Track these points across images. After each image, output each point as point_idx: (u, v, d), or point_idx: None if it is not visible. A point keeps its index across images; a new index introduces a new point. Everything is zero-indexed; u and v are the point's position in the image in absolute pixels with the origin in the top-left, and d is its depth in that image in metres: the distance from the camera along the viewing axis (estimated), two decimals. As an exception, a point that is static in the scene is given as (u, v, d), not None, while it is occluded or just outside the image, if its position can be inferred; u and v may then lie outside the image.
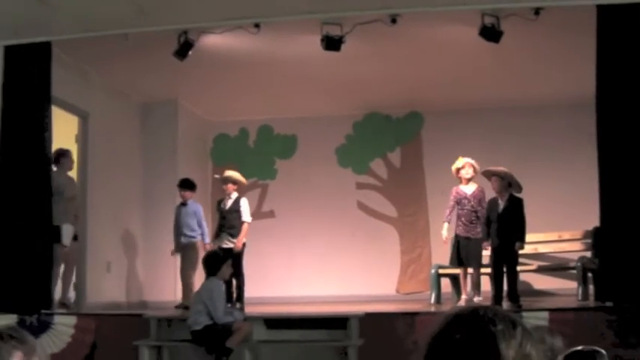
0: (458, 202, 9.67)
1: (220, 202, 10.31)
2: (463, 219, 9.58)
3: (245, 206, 10.14)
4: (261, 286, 9.95)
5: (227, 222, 10.03)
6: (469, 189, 9.67)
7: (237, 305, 9.63)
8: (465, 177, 9.69)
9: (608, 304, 7.75)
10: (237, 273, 9.74)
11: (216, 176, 10.53)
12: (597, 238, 8.15)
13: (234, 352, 7.65)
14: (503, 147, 11.91)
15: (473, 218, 9.53)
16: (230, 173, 10.31)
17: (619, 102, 7.97)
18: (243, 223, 10.03)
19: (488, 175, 9.34)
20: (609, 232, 7.95)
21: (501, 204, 9.11)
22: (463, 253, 9.56)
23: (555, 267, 10.99)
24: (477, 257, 9.57)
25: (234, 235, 9.95)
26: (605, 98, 8.02)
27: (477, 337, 1.37)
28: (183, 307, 9.71)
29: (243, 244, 9.96)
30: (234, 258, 9.56)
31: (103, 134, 11.02)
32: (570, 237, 10.91)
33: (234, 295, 9.77)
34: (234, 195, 10.19)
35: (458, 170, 9.78)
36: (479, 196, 9.60)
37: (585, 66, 8.41)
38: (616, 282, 7.72)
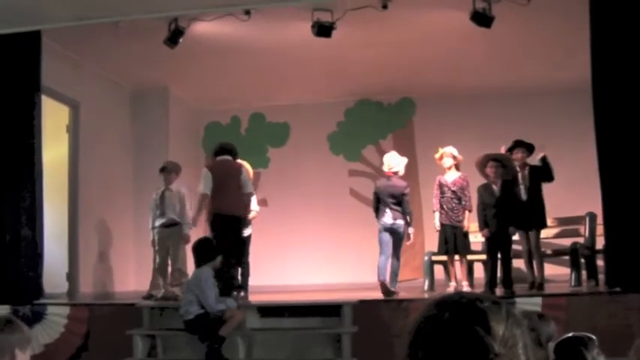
0: (440, 190, 9.71)
1: None
2: (445, 206, 9.66)
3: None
4: (254, 274, 9.89)
5: None
6: (450, 177, 9.72)
7: (242, 293, 9.60)
8: (445, 166, 9.72)
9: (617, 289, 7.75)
10: (243, 261, 9.75)
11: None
12: (605, 225, 8.14)
13: (227, 340, 7.63)
14: (496, 133, 11.81)
15: (453, 205, 9.58)
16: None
17: (615, 85, 7.97)
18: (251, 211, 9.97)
19: (486, 160, 9.28)
20: (613, 218, 7.95)
21: (496, 190, 9.12)
22: (451, 241, 9.59)
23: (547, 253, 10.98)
24: (465, 245, 9.63)
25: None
26: (601, 82, 8.01)
27: (466, 315, 1.37)
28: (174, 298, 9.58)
29: (249, 235, 9.90)
30: (243, 246, 9.65)
31: (94, 123, 10.97)
32: (563, 223, 10.91)
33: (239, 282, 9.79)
34: None
35: (440, 160, 9.84)
36: (460, 183, 9.63)
37: (578, 51, 8.43)
38: (625, 269, 7.75)
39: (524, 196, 9.19)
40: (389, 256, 9.34)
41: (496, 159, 9.23)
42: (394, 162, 9.57)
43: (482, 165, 9.34)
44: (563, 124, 12.00)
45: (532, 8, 8.39)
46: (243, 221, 9.06)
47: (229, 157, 9.23)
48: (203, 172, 9.11)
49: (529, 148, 9.33)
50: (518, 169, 9.26)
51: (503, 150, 9.37)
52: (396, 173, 9.50)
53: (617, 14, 7.99)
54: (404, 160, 9.64)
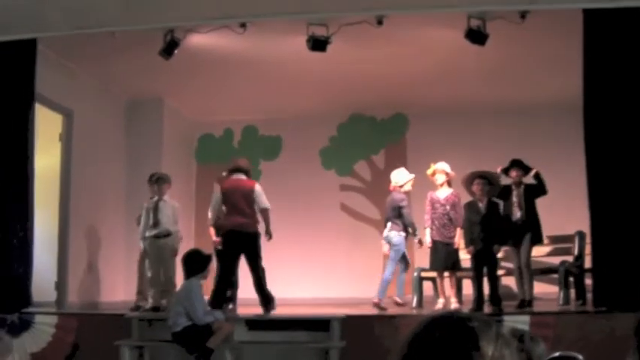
0: (432, 206, 9.75)
1: None
2: (436, 222, 9.71)
3: None
4: (243, 287, 9.85)
5: None
6: (442, 193, 9.78)
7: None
8: (437, 183, 9.80)
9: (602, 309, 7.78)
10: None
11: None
12: (592, 244, 8.17)
13: (215, 353, 7.61)
14: (488, 150, 11.89)
15: (445, 222, 9.63)
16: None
17: (606, 106, 8.03)
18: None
19: (473, 177, 9.34)
20: (600, 236, 7.98)
21: (482, 207, 9.17)
22: (442, 257, 9.61)
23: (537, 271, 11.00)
24: (456, 262, 9.68)
25: None
26: (592, 102, 8.07)
27: (456, 334, 1.38)
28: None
29: None
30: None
31: (88, 133, 10.95)
32: (552, 241, 10.92)
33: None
34: None
35: (432, 176, 9.91)
36: (452, 200, 9.69)
37: (571, 70, 8.47)
38: (612, 288, 7.78)
39: (518, 213, 9.24)
40: (402, 270, 9.92)
41: (482, 176, 9.30)
42: (399, 177, 10.01)
43: (468, 182, 9.40)
44: (555, 141, 12.04)
45: (526, 27, 8.44)
46: (255, 237, 9.06)
47: (243, 176, 9.33)
48: (214, 192, 9.46)
49: (525, 168, 9.39)
50: (513, 186, 9.32)
51: (499, 171, 9.44)
52: (401, 187, 9.67)
53: (610, 35, 8.05)
54: (409, 176, 9.92)
